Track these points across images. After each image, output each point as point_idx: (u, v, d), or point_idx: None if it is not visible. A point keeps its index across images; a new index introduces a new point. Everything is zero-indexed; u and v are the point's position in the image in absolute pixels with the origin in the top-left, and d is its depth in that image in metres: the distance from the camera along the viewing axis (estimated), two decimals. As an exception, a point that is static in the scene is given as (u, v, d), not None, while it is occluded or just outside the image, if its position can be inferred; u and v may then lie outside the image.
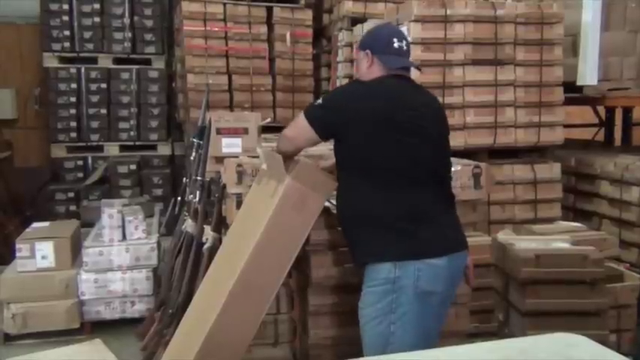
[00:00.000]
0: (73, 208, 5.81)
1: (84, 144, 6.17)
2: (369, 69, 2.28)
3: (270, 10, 5.26)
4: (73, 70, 6.07)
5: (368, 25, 4.47)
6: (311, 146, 2.35)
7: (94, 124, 6.15)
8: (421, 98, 2.27)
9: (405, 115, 2.15)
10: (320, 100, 2.26)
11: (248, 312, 2.18)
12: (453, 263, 2.16)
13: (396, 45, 2.26)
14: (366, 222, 2.15)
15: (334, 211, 2.31)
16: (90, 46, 6.09)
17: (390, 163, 2.12)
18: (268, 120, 3.88)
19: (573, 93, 4.61)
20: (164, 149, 6.37)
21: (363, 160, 2.15)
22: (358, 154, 2.16)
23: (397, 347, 2.05)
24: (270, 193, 2.22)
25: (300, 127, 2.24)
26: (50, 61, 6.08)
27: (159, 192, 6.01)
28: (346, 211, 2.24)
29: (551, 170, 4.20)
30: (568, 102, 4.31)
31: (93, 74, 6.10)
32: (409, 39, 3.71)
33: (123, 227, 3.84)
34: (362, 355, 2.11)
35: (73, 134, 6.12)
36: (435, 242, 2.13)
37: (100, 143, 6.20)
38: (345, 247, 2.32)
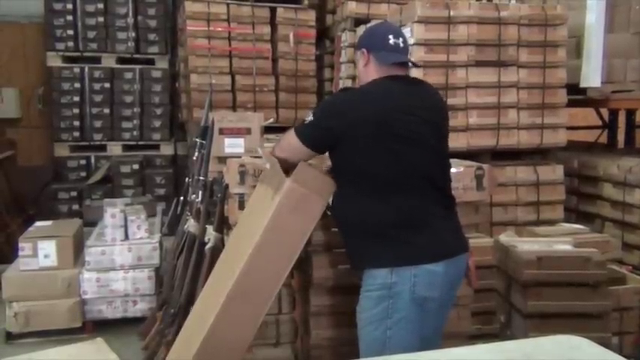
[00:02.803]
0: (75, 207, 5.83)
1: (87, 143, 6.19)
2: (365, 67, 2.22)
3: (273, 10, 5.27)
4: (76, 70, 6.09)
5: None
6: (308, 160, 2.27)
7: (97, 124, 6.17)
8: (420, 100, 2.17)
9: (401, 122, 2.07)
10: (311, 117, 2.16)
11: (246, 315, 2.16)
12: (452, 268, 2.12)
13: (391, 41, 2.18)
14: (363, 229, 2.12)
15: (329, 213, 2.28)
16: (93, 45, 6.12)
17: (386, 171, 2.07)
18: (271, 120, 3.88)
19: (576, 95, 4.59)
20: (167, 149, 6.39)
21: (359, 168, 2.10)
22: (353, 163, 2.11)
23: (393, 353, 2.02)
24: (271, 195, 2.21)
25: (293, 146, 2.18)
26: (54, 61, 6.10)
27: (161, 192, 6.02)
28: (343, 218, 2.21)
29: (553, 172, 4.19)
30: (571, 104, 4.30)
31: (96, 74, 6.13)
32: (411, 39, 3.77)
33: (125, 227, 3.84)
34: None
35: (76, 133, 6.15)
36: (432, 248, 2.09)
37: (103, 143, 6.22)
38: (346, 248, 2.31)
